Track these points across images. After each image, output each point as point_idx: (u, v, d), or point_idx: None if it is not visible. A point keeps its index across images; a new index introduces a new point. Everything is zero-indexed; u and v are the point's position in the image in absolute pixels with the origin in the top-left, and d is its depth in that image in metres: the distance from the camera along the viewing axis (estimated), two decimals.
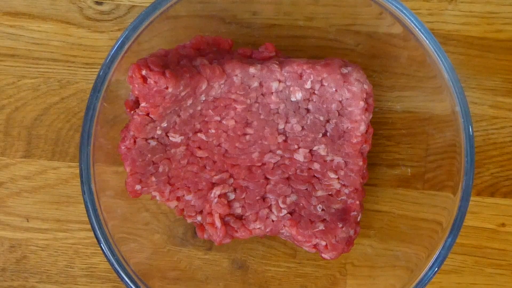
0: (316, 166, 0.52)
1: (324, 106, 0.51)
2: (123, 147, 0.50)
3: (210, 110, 0.51)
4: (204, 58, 0.50)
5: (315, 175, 0.53)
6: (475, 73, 0.56)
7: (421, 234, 0.52)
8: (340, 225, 0.52)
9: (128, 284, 0.49)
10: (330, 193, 0.53)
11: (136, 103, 0.49)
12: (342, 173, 0.52)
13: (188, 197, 0.53)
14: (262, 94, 0.52)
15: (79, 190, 0.49)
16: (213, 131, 0.52)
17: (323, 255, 0.52)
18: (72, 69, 0.57)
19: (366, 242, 0.55)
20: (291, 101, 0.52)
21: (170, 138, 0.51)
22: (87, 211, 0.48)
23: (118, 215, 0.52)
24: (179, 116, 0.51)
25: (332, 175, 0.52)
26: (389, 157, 0.56)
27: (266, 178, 0.53)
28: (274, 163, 0.53)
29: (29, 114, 0.57)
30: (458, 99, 0.48)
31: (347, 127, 0.51)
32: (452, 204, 0.49)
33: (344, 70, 0.51)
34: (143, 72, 0.47)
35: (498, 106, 0.56)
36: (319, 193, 0.52)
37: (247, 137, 0.52)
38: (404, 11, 0.48)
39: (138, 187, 0.51)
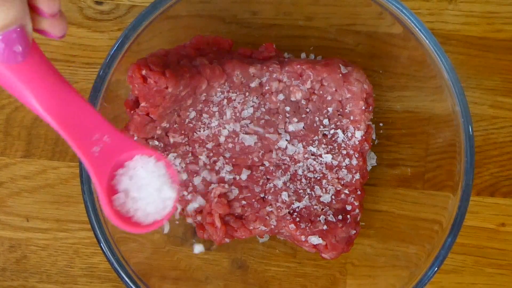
0: (316, 166, 0.52)
1: (324, 106, 0.51)
2: None
3: (210, 110, 0.51)
4: (204, 58, 0.50)
5: (315, 175, 0.53)
6: (475, 73, 0.56)
7: (421, 234, 0.52)
8: (340, 225, 0.52)
9: (128, 284, 0.49)
10: (330, 193, 0.53)
11: (136, 103, 0.49)
12: (342, 173, 0.52)
13: (188, 197, 0.52)
14: (262, 94, 0.52)
15: (79, 190, 0.49)
16: (213, 131, 0.52)
17: (323, 255, 0.52)
18: (72, 69, 0.57)
19: (366, 242, 0.55)
20: (291, 101, 0.52)
21: (170, 138, 0.51)
22: (87, 211, 0.48)
23: None
24: (179, 116, 0.51)
25: (332, 175, 0.52)
26: (389, 157, 0.56)
27: (266, 178, 0.53)
28: (274, 163, 0.53)
29: (29, 114, 0.57)
30: (458, 99, 0.48)
31: (347, 127, 0.51)
32: (452, 204, 0.49)
33: (344, 70, 0.51)
34: (143, 72, 0.47)
35: (498, 106, 0.56)
36: (319, 193, 0.52)
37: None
38: (404, 11, 0.48)
39: None
